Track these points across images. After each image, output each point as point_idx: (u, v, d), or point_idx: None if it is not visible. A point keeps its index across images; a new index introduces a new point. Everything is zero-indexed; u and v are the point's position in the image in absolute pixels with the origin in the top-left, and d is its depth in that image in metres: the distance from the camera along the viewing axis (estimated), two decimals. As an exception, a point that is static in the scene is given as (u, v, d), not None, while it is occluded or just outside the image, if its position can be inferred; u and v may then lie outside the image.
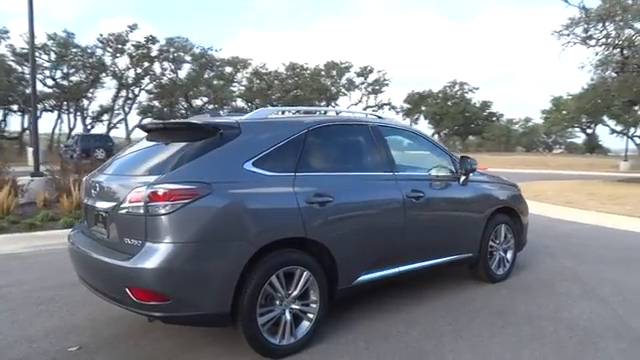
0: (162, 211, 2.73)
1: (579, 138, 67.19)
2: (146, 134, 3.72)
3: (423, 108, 61.20)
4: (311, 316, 3.24)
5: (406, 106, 60.11)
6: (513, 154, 50.65)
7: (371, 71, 51.45)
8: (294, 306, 3.16)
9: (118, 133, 40.75)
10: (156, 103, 45.39)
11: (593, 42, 18.60)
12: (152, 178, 2.84)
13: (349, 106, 48.38)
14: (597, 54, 19.02)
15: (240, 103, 50.17)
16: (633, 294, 4.50)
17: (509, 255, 4.99)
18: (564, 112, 49.20)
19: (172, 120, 3.90)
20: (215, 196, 2.82)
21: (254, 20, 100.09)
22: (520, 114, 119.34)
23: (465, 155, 4.57)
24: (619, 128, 49.85)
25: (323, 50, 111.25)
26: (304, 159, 3.33)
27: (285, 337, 3.11)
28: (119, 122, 43.41)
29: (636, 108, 30.31)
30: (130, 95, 42.98)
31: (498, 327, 3.67)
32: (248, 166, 3.03)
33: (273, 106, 46.20)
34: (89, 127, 42.12)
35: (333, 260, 3.33)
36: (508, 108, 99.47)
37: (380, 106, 52.15)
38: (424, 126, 60.71)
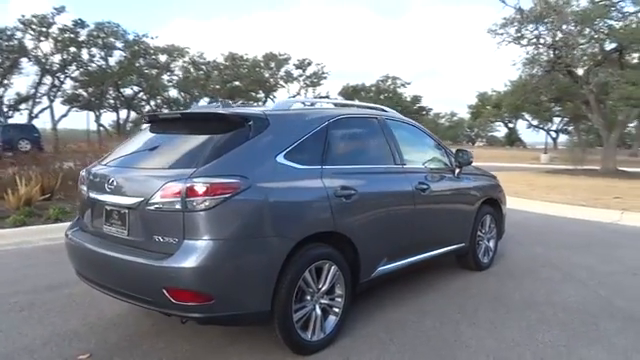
0: (202, 206, 2.57)
1: (499, 132, 71.77)
2: (149, 124, 3.51)
3: (357, 102, 62.11)
4: (337, 310, 3.22)
5: (340, 99, 60.82)
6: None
7: (309, 64, 51.38)
8: (323, 301, 3.13)
9: (39, 123, 37.39)
10: (82, 92, 42.45)
11: (525, 41, 19.85)
12: (187, 172, 2.66)
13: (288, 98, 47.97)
14: (527, 53, 20.35)
15: (173, 93, 48.25)
16: (605, 277, 4.88)
17: (492, 244, 5.22)
18: (488, 107, 52.10)
19: (192, 110, 3.68)
20: (254, 190, 2.71)
21: (190, 8, 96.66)
22: (444, 108, 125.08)
23: (460, 148, 4.73)
24: (535, 123, 54.25)
25: (261, 41, 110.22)
26: (328, 152, 3.28)
27: (316, 333, 3.06)
28: (41, 111, 40.13)
29: (552, 105, 32.65)
30: (56, 82, 39.78)
31: (503, 313, 3.84)
32: (280, 159, 2.94)
33: (211, 97, 44.84)
34: (7, 116, 38.60)
35: (356, 253, 3.32)
36: (434, 102, 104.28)
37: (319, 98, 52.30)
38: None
